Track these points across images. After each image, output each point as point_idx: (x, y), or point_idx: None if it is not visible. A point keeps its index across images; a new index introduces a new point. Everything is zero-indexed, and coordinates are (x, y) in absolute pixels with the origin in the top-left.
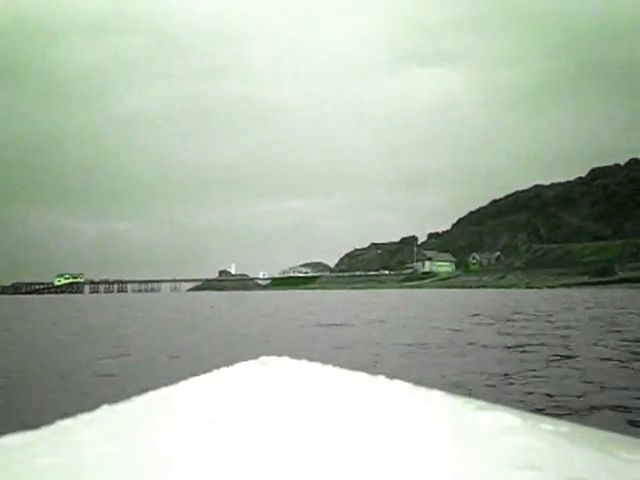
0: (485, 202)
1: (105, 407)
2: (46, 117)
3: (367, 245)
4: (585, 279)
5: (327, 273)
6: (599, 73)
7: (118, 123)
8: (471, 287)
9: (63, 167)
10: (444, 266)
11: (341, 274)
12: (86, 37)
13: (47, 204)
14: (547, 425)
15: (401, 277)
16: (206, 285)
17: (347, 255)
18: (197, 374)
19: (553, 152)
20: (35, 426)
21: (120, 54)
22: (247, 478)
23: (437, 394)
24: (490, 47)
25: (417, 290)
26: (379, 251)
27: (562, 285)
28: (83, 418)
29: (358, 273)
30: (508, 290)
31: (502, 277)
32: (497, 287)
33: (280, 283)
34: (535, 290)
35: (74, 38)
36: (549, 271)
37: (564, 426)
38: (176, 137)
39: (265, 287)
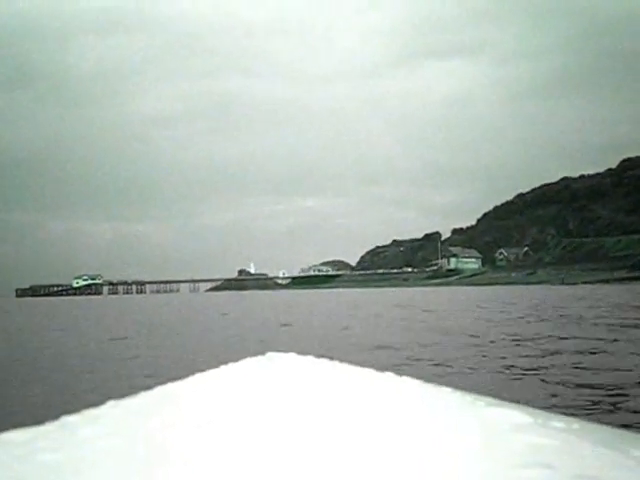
0: (511, 196)
1: (111, 402)
2: (59, 120)
3: (389, 242)
4: (623, 274)
5: (348, 271)
6: (621, 62)
7: (132, 124)
8: (499, 284)
9: (78, 170)
10: (470, 262)
11: (363, 272)
12: (97, 38)
13: (63, 207)
14: (558, 422)
15: (425, 275)
16: (225, 285)
17: (368, 253)
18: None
19: (579, 143)
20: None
21: (132, 54)
22: (253, 475)
23: (446, 391)
24: (507, 39)
25: (446, 288)
26: (401, 248)
27: (600, 281)
28: (88, 414)
29: (380, 271)
30: (540, 286)
31: (532, 273)
32: (527, 284)
33: (300, 282)
34: (571, 287)
35: (85, 39)
36: (582, 266)
37: (575, 423)
38: (191, 137)
39: (285, 286)
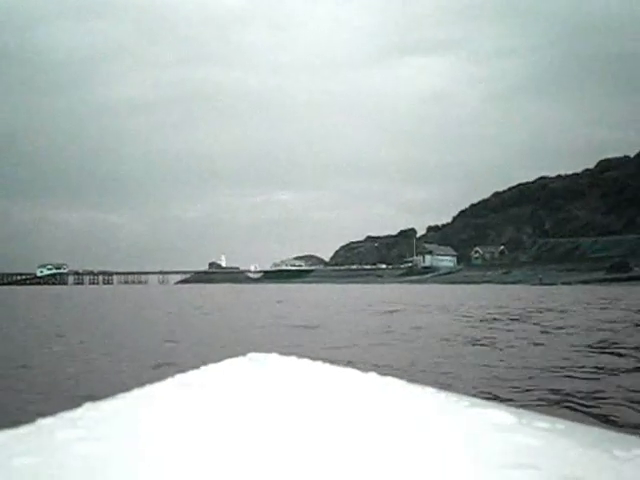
0: (487, 194)
1: (88, 405)
2: (29, 106)
3: (363, 238)
4: (601, 275)
5: (321, 266)
6: (600, 64)
7: (104, 112)
8: (475, 282)
9: (47, 157)
10: (445, 260)
11: (336, 267)
12: (71, 23)
13: (31, 195)
14: (542, 423)
15: (400, 271)
16: (195, 278)
17: (342, 248)
18: None
19: (557, 144)
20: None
21: (106, 40)
22: (234, 478)
23: (430, 391)
24: (486, 37)
25: (420, 286)
26: (376, 244)
27: (580, 282)
28: (64, 416)
29: (354, 267)
30: (519, 286)
31: (507, 272)
32: (503, 283)
33: (272, 276)
34: (550, 287)
35: (58, 24)
36: (558, 267)
37: (560, 423)
38: (163, 127)
39: (256, 280)
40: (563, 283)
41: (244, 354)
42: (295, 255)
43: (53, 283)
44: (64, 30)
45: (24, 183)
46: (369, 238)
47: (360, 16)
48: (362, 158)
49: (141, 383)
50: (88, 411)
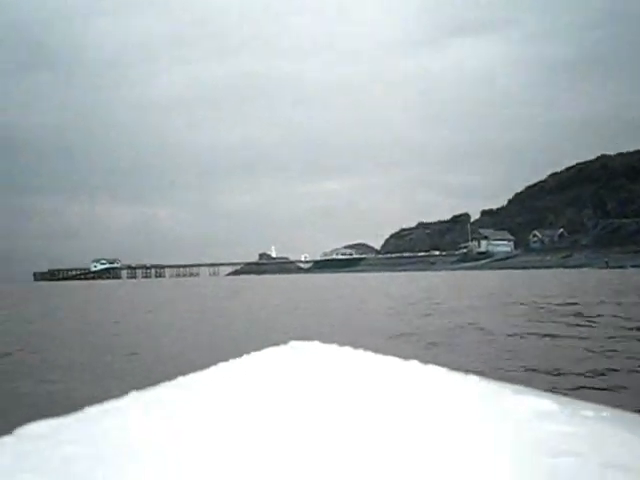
0: (543, 176)
1: (133, 393)
2: (80, 103)
3: (414, 225)
4: None
5: (372, 255)
6: None
7: (149, 107)
8: (534, 267)
9: (95, 154)
10: (502, 245)
11: (388, 255)
12: (114, 19)
13: (82, 191)
14: (587, 411)
15: (454, 258)
16: (246, 269)
17: (393, 236)
18: None
19: (615, 121)
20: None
21: (149, 36)
22: (280, 464)
23: (473, 379)
24: (536, 16)
25: (482, 272)
26: (427, 231)
27: None
28: (110, 405)
29: (406, 254)
30: (585, 270)
31: (568, 256)
32: (565, 267)
33: (323, 266)
34: (621, 270)
35: (102, 20)
36: (623, 249)
37: (604, 411)
38: (210, 120)
39: (307, 270)
40: (633, 266)
41: (285, 342)
42: (345, 244)
43: (107, 277)
44: (108, 26)
45: (77, 179)
46: (420, 225)
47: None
48: (411, 143)
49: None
50: (133, 400)
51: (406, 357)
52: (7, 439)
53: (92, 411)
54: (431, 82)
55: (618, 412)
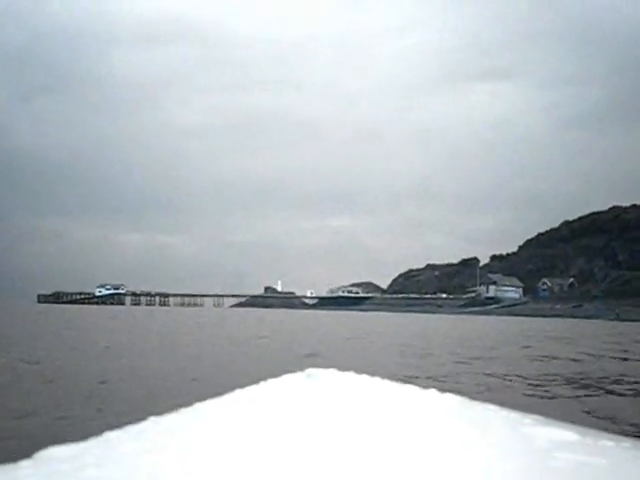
0: (556, 224)
1: (152, 418)
2: (91, 127)
3: (423, 266)
4: None
5: (378, 294)
6: None
7: (165, 135)
8: (544, 316)
9: (108, 177)
10: (510, 291)
11: (394, 296)
12: (138, 47)
13: (91, 214)
14: (607, 441)
15: (461, 302)
16: (251, 302)
17: (401, 276)
18: None
19: (630, 173)
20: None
21: (171, 65)
22: None
23: (492, 408)
24: (551, 63)
25: (488, 318)
26: (436, 273)
27: None
28: (130, 430)
29: (413, 295)
30: (596, 322)
31: (578, 306)
32: (574, 317)
33: (328, 303)
34: (632, 324)
35: (127, 48)
36: (634, 301)
37: (625, 442)
38: (223, 150)
39: (312, 306)
40: None
41: (302, 369)
42: (352, 282)
43: (111, 303)
44: (132, 54)
45: (85, 202)
46: (429, 266)
47: (426, 43)
48: (423, 184)
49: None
50: (152, 424)
51: (424, 386)
52: (25, 463)
53: (111, 436)
54: (446, 125)
55: (639, 442)
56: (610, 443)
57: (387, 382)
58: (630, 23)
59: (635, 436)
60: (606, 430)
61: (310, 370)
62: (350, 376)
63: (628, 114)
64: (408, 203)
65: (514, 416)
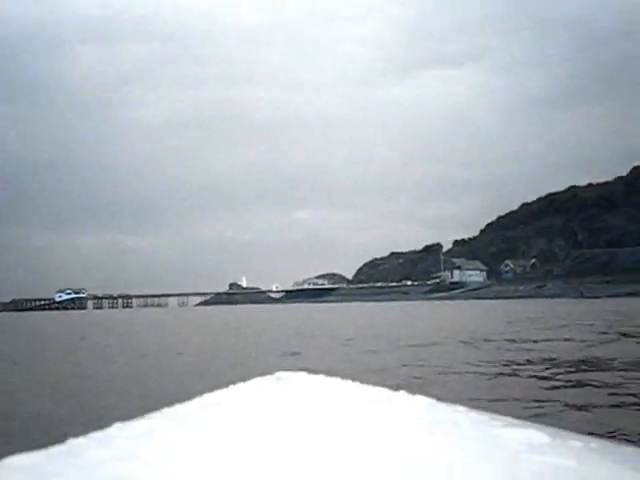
0: (515, 206)
1: (117, 425)
2: (44, 130)
3: (387, 254)
4: None
5: (344, 285)
6: (624, 74)
7: (121, 134)
8: (509, 298)
9: (63, 181)
10: (474, 275)
11: (360, 285)
12: (88, 46)
13: (47, 219)
14: (577, 442)
15: (427, 288)
16: (216, 299)
17: (365, 265)
18: None
19: (584, 153)
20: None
21: (134, 62)
22: None
23: (461, 410)
24: (506, 49)
25: (456, 303)
26: (400, 260)
27: (628, 294)
28: (94, 436)
29: (379, 284)
30: (564, 301)
31: (541, 286)
32: (538, 297)
33: (294, 296)
34: (595, 300)
35: (76, 47)
36: (595, 279)
37: (594, 442)
38: (181, 148)
39: (278, 300)
40: (608, 296)
41: (272, 373)
42: (317, 274)
43: (72, 308)
44: (81, 53)
45: (40, 208)
46: (393, 254)
47: (380, 32)
48: (383, 174)
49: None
50: (118, 431)
51: (394, 388)
52: None
53: (75, 443)
54: (404, 114)
55: (607, 443)
56: (579, 444)
57: (357, 385)
58: (587, 4)
59: (603, 437)
60: (575, 431)
61: (280, 373)
62: (320, 379)
63: (583, 96)
64: (369, 194)
65: (483, 418)
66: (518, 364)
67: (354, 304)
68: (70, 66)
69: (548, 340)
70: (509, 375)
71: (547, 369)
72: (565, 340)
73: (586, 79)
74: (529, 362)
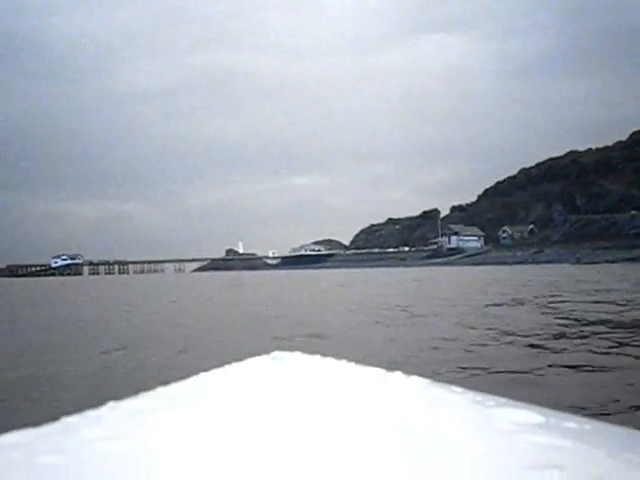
0: (513, 171)
1: (111, 403)
2: (41, 94)
3: (384, 221)
4: None
5: (341, 251)
6: (621, 37)
7: (115, 100)
8: (505, 263)
9: (59, 148)
10: (472, 241)
11: (357, 251)
12: (83, 8)
13: (44, 185)
14: (570, 423)
15: (424, 254)
16: (212, 265)
17: (363, 231)
18: None
19: (583, 118)
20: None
21: (116, 27)
22: (258, 476)
23: (456, 390)
24: (503, 14)
25: (453, 268)
26: (397, 227)
27: (627, 259)
28: (88, 415)
29: (376, 250)
30: (560, 266)
31: (539, 252)
32: (536, 263)
33: (291, 262)
34: (594, 266)
35: (66, 10)
36: (593, 244)
37: (588, 424)
38: (175, 114)
39: (275, 267)
40: (607, 261)
41: (268, 352)
42: (314, 240)
43: (68, 274)
44: (77, 15)
45: (36, 175)
46: (390, 220)
47: None
48: (379, 140)
49: None
50: (112, 410)
51: (390, 368)
52: None
53: (69, 421)
54: (401, 79)
55: (601, 424)
56: (573, 425)
57: (353, 365)
58: None
59: (597, 418)
60: (569, 412)
61: (276, 353)
62: (316, 359)
63: (582, 61)
64: (367, 159)
65: (479, 398)
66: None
67: (352, 270)
68: (63, 29)
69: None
70: None
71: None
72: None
73: (581, 46)
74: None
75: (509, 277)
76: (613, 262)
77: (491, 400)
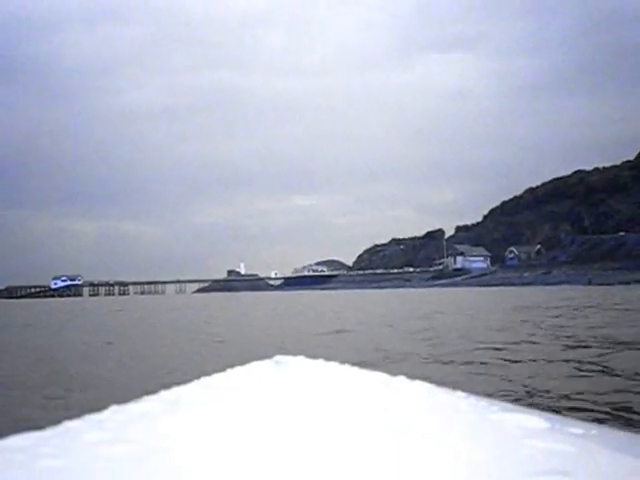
0: (519, 191)
1: (113, 407)
2: (43, 113)
3: (387, 241)
4: None
5: (344, 271)
6: (627, 57)
7: (117, 119)
8: (514, 285)
9: (60, 166)
10: (478, 261)
11: (361, 272)
12: (82, 30)
13: (44, 204)
14: (576, 428)
15: (429, 275)
16: (214, 286)
17: (366, 252)
18: None
19: (590, 138)
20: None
21: (118, 47)
22: None
23: (460, 395)
24: (507, 33)
25: (460, 289)
26: (401, 247)
27: (637, 281)
28: (90, 418)
29: (380, 271)
30: (566, 287)
31: (547, 273)
32: (545, 284)
33: (293, 283)
34: (609, 288)
35: (69, 31)
36: (602, 265)
37: (593, 429)
38: (178, 133)
39: (277, 287)
40: (620, 283)
41: (270, 357)
42: (317, 260)
43: (68, 295)
44: (78, 35)
45: (38, 193)
46: (394, 240)
47: (379, 15)
48: (384, 160)
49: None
50: (114, 413)
51: (393, 373)
52: None
53: (71, 425)
54: (405, 98)
55: (607, 430)
56: (579, 430)
57: (356, 369)
58: None
59: (602, 423)
60: (574, 418)
61: (278, 357)
62: (319, 363)
63: (587, 80)
64: (370, 179)
65: (483, 403)
66: None
67: (356, 291)
68: (64, 49)
69: None
70: None
71: None
72: None
73: (586, 65)
74: None
75: (537, 301)
76: (627, 284)
77: (495, 405)
